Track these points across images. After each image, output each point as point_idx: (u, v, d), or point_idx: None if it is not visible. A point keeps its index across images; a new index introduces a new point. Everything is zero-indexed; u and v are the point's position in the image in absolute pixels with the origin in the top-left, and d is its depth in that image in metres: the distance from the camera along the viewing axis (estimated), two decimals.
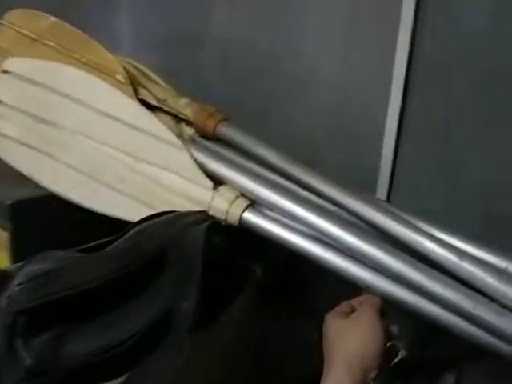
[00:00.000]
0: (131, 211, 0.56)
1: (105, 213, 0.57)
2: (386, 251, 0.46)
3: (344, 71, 0.67)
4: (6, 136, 0.61)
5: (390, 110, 0.62)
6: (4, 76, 0.60)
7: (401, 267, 0.45)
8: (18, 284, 0.36)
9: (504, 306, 0.42)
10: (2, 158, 0.62)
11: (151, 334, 0.38)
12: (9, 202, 0.55)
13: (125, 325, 0.38)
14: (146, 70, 0.69)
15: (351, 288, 0.51)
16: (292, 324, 0.74)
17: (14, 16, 0.68)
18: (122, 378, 0.35)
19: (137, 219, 0.51)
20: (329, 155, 0.68)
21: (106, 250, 0.43)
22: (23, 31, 0.67)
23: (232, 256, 0.49)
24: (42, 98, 0.59)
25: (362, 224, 0.51)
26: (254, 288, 0.51)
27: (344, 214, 0.52)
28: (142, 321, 0.38)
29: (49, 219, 0.59)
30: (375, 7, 0.64)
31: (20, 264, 0.44)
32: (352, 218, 0.52)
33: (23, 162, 0.61)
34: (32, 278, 0.37)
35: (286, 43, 0.73)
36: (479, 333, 0.42)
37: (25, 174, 0.60)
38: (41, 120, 0.59)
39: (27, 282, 0.36)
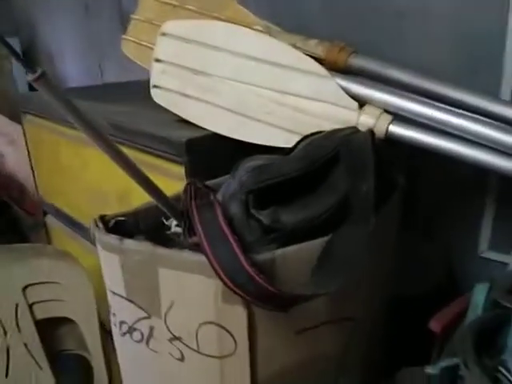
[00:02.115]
0: (284, 140, 0.66)
1: (261, 143, 0.67)
2: None
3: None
4: (167, 89, 0.73)
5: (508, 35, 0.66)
6: (162, 37, 0.71)
7: None
8: (244, 174, 0.48)
9: None
10: (165, 106, 0.74)
11: (337, 213, 0.47)
12: (184, 140, 0.67)
13: (317, 205, 0.48)
14: (268, 23, 0.79)
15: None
16: (416, 242, 0.82)
17: None
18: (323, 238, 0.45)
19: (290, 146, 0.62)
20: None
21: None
22: (166, 0, 0.78)
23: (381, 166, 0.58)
24: (196, 53, 0.70)
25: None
26: (400, 195, 0.59)
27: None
28: (328, 202, 0.48)
29: (214, 154, 0.70)
30: None
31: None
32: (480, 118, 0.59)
33: (184, 109, 0.73)
34: (251, 169, 0.48)
35: None
36: None
37: (187, 119, 0.72)
38: (197, 72, 0.70)
39: (250, 171, 0.48)
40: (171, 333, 0.44)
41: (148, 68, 0.75)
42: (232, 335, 0.41)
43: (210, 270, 0.39)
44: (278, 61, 0.65)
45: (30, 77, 0.35)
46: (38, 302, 0.87)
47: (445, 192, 0.81)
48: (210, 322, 0.42)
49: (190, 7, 0.75)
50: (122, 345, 0.51)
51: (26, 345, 0.89)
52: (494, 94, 0.66)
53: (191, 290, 0.42)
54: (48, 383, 0.92)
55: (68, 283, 0.86)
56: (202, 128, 0.71)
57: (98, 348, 0.91)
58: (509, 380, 0.50)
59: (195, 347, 0.43)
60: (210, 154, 0.71)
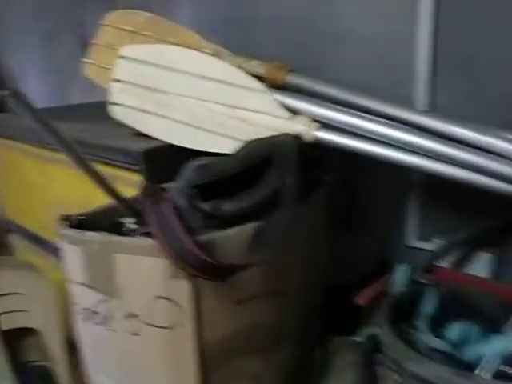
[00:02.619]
0: (232, 147, 0.75)
1: (212, 151, 0.76)
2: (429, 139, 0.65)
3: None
4: (125, 106, 0.81)
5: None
6: (121, 60, 0.80)
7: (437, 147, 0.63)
8: (189, 172, 0.56)
9: None
10: (123, 121, 0.82)
11: (268, 203, 0.56)
12: (142, 150, 0.75)
13: (252, 197, 0.57)
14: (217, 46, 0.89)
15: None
16: (349, 237, 0.92)
17: (114, 17, 0.89)
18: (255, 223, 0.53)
19: None
20: None
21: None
22: (123, 27, 0.87)
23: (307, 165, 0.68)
24: (153, 74, 0.78)
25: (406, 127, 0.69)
26: (326, 189, 0.69)
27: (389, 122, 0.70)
28: (260, 195, 0.57)
29: (170, 162, 0.78)
30: None
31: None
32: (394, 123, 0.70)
33: (141, 123, 0.81)
34: (196, 168, 0.57)
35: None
36: None
37: (144, 132, 0.80)
38: (154, 90, 0.79)
39: (194, 169, 0.56)
40: (128, 311, 0.51)
41: (107, 88, 0.83)
42: (180, 306, 0.49)
43: (159, 251, 0.47)
44: (225, 79, 0.75)
45: (4, 93, 0.42)
46: (2, 314, 0.89)
47: (375, 190, 0.92)
48: (160, 297, 0.49)
49: (147, 33, 0.84)
50: (85, 330, 0.58)
51: None
52: (410, 105, 0.78)
53: (143, 270, 0.49)
54: None
55: (32, 294, 0.89)
56: (158, 140, 0.79)
57: (63, 358, 0.93)
58: (418, 338, 0.60)
59: (148, 321, 0.50)
60: (166, 162, 0.79)
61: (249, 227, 0.52)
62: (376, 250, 0.91)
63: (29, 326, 0.90)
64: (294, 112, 0.73)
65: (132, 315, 0.51)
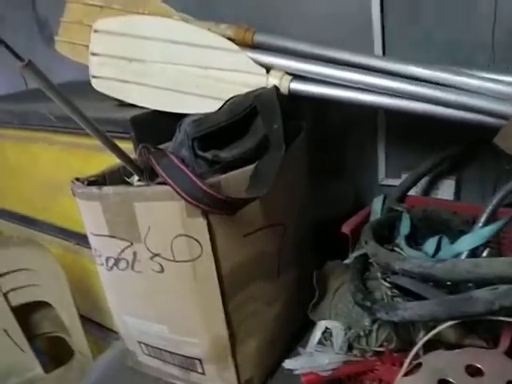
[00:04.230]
0: (212, 106, 0.81)
1: (193, 112, 0.81)
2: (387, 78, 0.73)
3: None
4: (106, 78, 0.85)
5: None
6: (96, 34, 0.83)
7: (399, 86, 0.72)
8: (187, 126, 0.62)
9: None
10: (106, 93, 0.86)
11: (260, 147, 0.63)
12: (128, 118, 0.80)
13: (246, 144, 0.64)
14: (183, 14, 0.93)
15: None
16: (328, 180, 1.01)
17: None
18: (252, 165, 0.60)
19: None
20: None
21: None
22: (91, 2, 0.89)
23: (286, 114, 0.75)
24: (128, 44, 0.82)
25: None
26: (304, 135, 0.77)
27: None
28: (253, 142, 0.64)
29: (156, 128, 0.83)
30: None
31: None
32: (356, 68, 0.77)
33: (123, 93, 0.85)
34: (192, 122, 0.63)
35: None
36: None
37: (127, 101, 0.85)
38: (131, 60, 0.83)
39: (190, 124, 0.62)
40: (151, 252, 0.57)
41: (85, 63, 0.86)
42: (198, 241, 0.55)
43: (174, 194, 0.53)
44: (198, 42, 0.80)
45: (19, 65, 0.46)
46: (12, 290, 0.94)
47: (346, 135, 1.01)
48: (180, 235, 0.56)
49: (116, 6, 0.87)
50: (111, 278, 0.64)
51: (6, 331, 0.95)
52: (369, 51, 0.86)
53: (162, 213, 0.56)
54: (32, 365, 1.00)
55: (38, 268, 0.94)
56: (141, 107, 0.84)
57: (78, 328, 0.98)
58: (400, 253, 0.70)
59: (171, 258, 0.57)
60: (153, 128, 0.84)
61: (246, 169, 0.58)
62: (351, 191, 1.01)
63: (41, 299, 0.94)
64: (267, 68, 0.79)
65: (156, 255, 0.57)
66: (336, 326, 0.64)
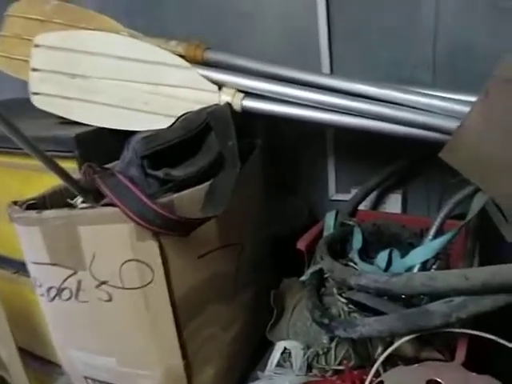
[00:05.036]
0: (162, 123, 0.78)
1: (142, 129, 0.79)
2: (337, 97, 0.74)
3: None
4: (47, 94, 0.80)
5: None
6: (36, 49, 0.78)
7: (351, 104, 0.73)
8: (136, 144, 0.59)
9: None
10: (48, 110, 0.81)
11: (215, 165, 0.62)
12: (73, 135, 0.75)
13: (199, 162, 0.62)
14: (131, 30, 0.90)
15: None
16: (282, 196, 1.01)
17: (19, 6, 0.86)
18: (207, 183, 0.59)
19: None
20: None
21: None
22: (31, 16, 0.85)
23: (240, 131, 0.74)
24: (71, 60, 0.78)
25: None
26: (259, 152, 0.76)
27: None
28: (207, 159, 0.62)
29: (102, 146, 0.79)
30: None
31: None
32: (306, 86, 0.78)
33: (66, 110, 0.80)
34: (141, 139, 0.60)
35: None
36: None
37: (70, 119, 0.80)
38: (74, 76, 0.79)
39: (140, 141, 0.60)
40: (97, 279, 0.54)
41: (25, 79, 0.81)
42: (149, 266, 0.53)
43: (122, 216, 0.50)
44: (147, 59, 0.77)
45: None
46: None
47: (298, 151, 1.01)
48: (129, 260, 0.52)
49: (58, 21, 0.83)
50: (53, 309, 0.59)
51: None
52: (317, 70, 0.87)
53: (109, 237, 0.52)
54: None
55: None
56: (86, 125, 0.80)
57: (17, 363, 0.90)
58: (355, 268, 0.70)
59: (120, 285, 0.53)
60: (99, 146, 0.80)
61: (201, 187, 0.57)
62: (305, 207, 1.01)
63: None
64: (219, 85, 0.78)
65: (103, 283, 0.53)
66: (295, 346, 0.62)
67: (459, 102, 0.70)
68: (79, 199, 0.63)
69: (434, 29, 0.80)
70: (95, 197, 0.60)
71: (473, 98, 0.66)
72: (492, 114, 0.63)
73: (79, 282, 0.54)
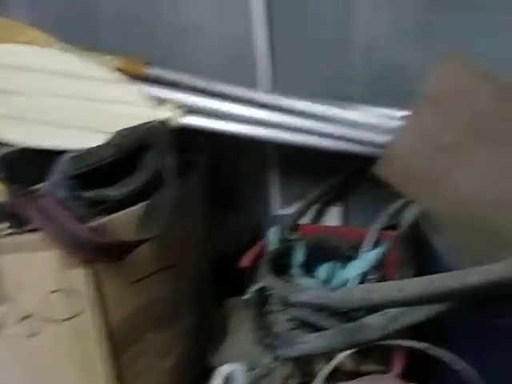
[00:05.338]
0: (97, 141, 0.75)
1: (77, 147, 0.75)
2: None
3: None
4: None
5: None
6: None
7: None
8: (64, 164, 0.56)
9: None
10: None
11: (152, 183, 0.60)
12: None
13: (135, 181, 0.60)
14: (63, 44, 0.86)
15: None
16: (225, 213, 1.00)
17: None
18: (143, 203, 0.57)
19: None
20: None
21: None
22: None
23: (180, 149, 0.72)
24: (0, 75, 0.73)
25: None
26: (199, 170, 0.75)
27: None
28: (144, 178, 0.60)
29: (31, 166, 0.74)
30: None
31: None
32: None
33: None
34: (70, 159, 0.57)
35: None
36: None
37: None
38: (2, 92, 0.74)
39: (68, 161, 0.57)
40: (22, 313, 0.50)
41: None
42: (79, 295, 0.49)
43: (49, 244, 0.47)
44: (81, 73, 0.74)
45: None
46: None
47: (241, 167, 1.01)
48: (57, 290, 0.49)
49: None
50: None
51: None
52: (255, 85, 0.88)
53: (34, 267, 0.49)
54: None
55: None
56: (10, 145, 0.74)
57: None
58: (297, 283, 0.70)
59: (47, 317, 0.50)
60: (25, 167, 0.75)
61: (136, 208, 0.55)
62: (249, 223, 1.00)
63: None
64: (158, 101, 0.76)
65: (27, 316, 0.50)
66: (236, 369, 0.61)
67: (393, 118, 0.73)
68: (5, 225, 0.58)
69: (368, 44, 0.83)
70: (21, 222, 0.57)
71: (406, 114, 0.68)
72: (423, 130, 0.66)
73: (2, 316, 0.50)
